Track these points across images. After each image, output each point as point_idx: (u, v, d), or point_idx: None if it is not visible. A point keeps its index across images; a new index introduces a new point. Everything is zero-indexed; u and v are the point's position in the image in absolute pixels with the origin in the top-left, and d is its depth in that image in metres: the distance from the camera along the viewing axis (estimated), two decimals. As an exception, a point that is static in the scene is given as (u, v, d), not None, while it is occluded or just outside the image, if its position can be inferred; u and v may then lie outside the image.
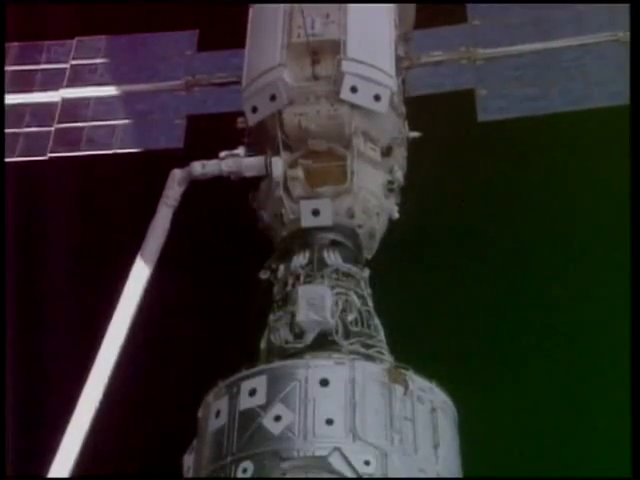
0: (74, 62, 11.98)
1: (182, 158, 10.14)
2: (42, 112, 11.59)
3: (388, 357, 8.63)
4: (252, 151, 9.89)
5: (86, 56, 12.02)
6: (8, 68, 11.93)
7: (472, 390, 10.26)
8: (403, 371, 8.06)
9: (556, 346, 12.44)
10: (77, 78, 11.84)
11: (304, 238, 9.54)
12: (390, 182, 10.12)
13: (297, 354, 8.32)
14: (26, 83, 11.84)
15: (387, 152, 10.24)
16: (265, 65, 10.06)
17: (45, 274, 13.36)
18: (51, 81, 11.84)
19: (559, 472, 11.35)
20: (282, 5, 10.50)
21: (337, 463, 7.40)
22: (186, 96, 11.48)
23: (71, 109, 11.60)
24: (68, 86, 11.75)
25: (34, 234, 13.50)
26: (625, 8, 10.29)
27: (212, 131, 11.14)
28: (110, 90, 11.67)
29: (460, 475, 8.08)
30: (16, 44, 12.19)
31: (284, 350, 8.51)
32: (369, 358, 8.34)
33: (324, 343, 8.47)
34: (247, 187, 10.19)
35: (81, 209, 13.69)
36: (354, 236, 9.73)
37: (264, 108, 9.97)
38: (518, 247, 13.10)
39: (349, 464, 7.40)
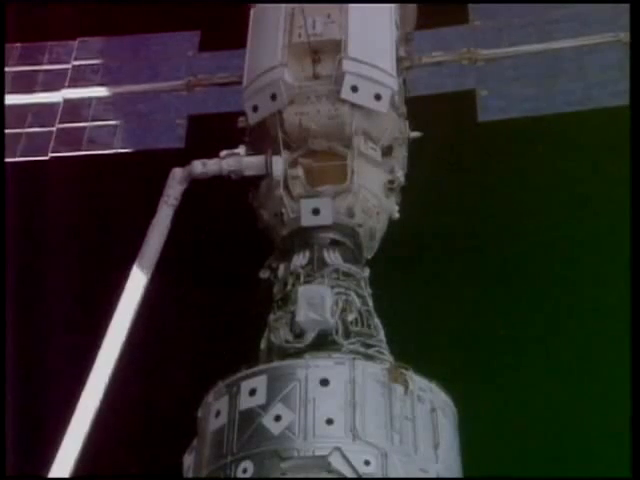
0: (76, 63, 11.98)
1: (183, 158, 10.13)
2: (44, 112, 11.59)
3: (388, 357, 8.59)
4: (253, 150, 9.90)
5: (88, 57, 12.02)
6: (11, 69, 11.94)
7: (472, 390, 10.26)
8: (403, 371, 8.01)
9: (556, 346, 12.43)
10: (79, 78, 11.84)
11: (304, 237, 9.52)
12: (390, 182, 10.11)
13: (297, 354, 8.29)
14: (28, 84, 11.85)
15: (388, 152, 10.23)
16: (266, 65, 10.06)
17: (45, 274, 13.37)
18: (53, 82, 11.84)
19: (559, 472, 11.34)
20: (283, 5, 10.51)
21: (337, 463, 7.35)
22: (187, 96, 11.48)
23: (73, 109, 11.60)
24: (70, 86, 11.75)
25: (34, 234, 13.51)
26: (626, 8, 10.29)
27: (213, 131, 11.14)
28: (111, 90, 11.67)
29: (460, 475, 8.05)
30: (18, 45, 12.19)
31: (284, 350, 8.47)
32: (369, 358, 8.29)
33: (324, 343, 8.43)
34: (247, 186, 10.21)
35: (82, 209, 13.69)
36: (354, 235, 9.71)
37: (265, 107, 9.97)
38: (518, 247, 13.09)
39: (349, 464, 7.35)
